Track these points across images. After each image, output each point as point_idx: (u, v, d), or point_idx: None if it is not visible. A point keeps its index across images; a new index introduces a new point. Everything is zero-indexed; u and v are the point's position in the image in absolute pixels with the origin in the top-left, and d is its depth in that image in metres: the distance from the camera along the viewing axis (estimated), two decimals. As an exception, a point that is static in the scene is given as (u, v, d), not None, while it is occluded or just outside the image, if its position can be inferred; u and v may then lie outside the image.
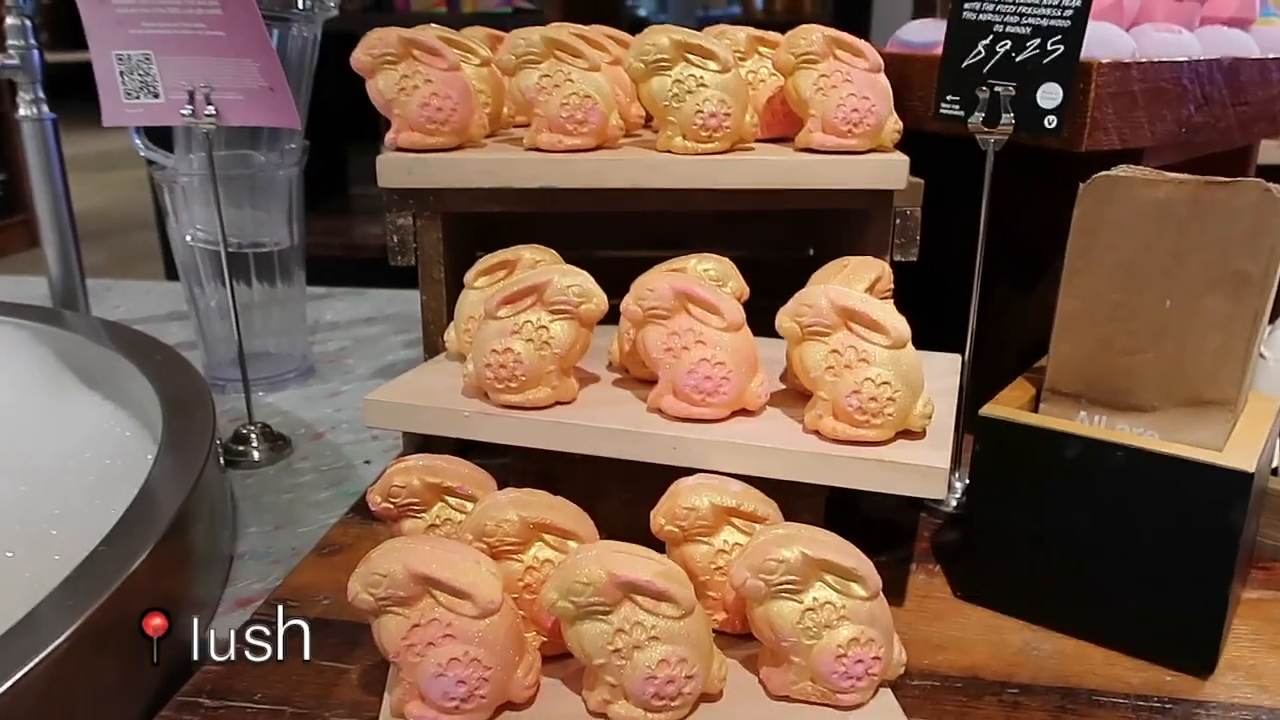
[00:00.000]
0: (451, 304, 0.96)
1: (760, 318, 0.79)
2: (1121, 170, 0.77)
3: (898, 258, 0.96)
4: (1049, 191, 0.90)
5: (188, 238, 1.23)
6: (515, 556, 0.69)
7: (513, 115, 1.03)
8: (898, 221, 0.95)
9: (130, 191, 5.42)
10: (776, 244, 1.23)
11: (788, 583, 0.63)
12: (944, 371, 0.89)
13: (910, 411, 0.73)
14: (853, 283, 0.82)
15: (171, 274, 1.74)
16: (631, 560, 0.61)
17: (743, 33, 0.98)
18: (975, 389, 0.90)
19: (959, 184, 0.92)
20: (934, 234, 0.96)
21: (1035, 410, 0.83)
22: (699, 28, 0.96)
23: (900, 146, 0.94)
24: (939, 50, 1.06)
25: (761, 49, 0.98)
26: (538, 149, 0.92)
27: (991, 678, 0.72)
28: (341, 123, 3.05)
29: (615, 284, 0.81)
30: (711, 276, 0.85)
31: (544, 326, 0.79)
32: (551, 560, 0.68)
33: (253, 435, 1.09)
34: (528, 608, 0.68)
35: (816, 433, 0.75)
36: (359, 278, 1.78)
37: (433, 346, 0.98)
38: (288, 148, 1.24)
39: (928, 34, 1.09)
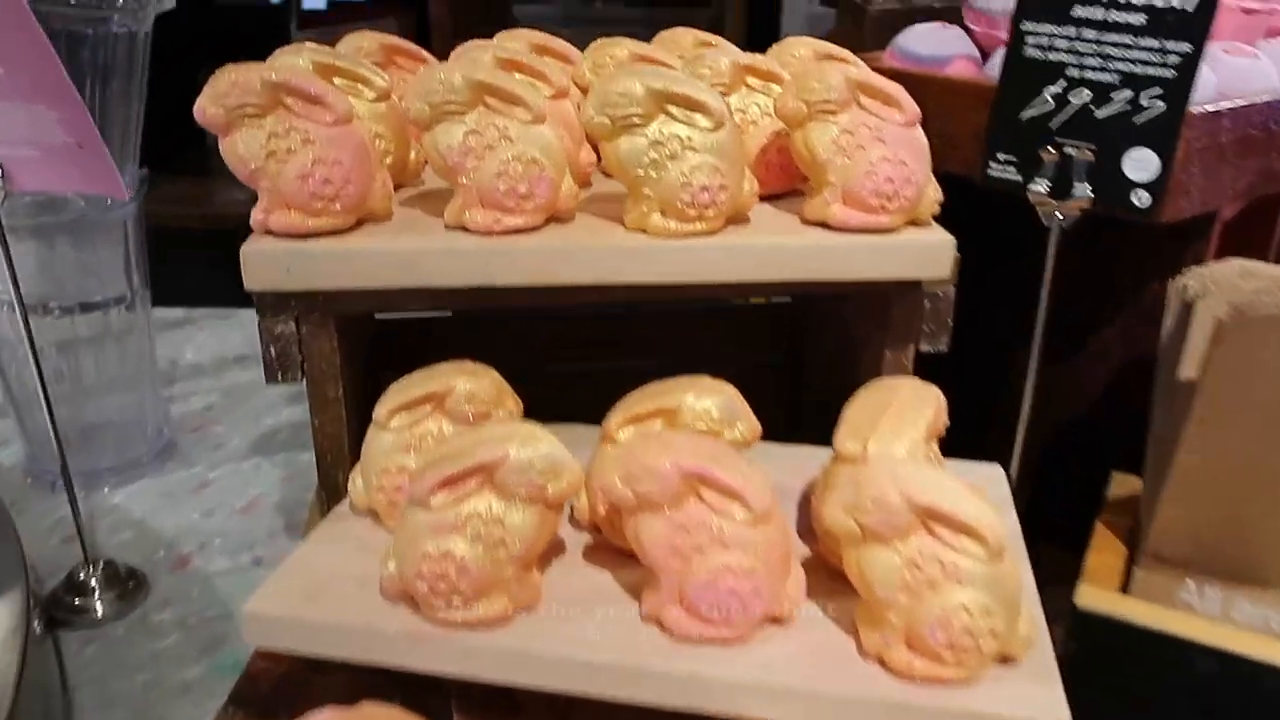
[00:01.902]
0: (355, 430, 0.72)
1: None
2: (1274, 304, 0.58)
3: (925, 347, 0.76)
4: (1092, 253, 0.72)
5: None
6: None
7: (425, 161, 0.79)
8: (928, 305, 0.74)
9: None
10: (765, 342, 1.02)
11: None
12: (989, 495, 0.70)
13: (1009, 639, 0.54)
14: (906, 425, 0.61)
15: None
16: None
17: (725, 59, 0.74)
18: (1021, 507, 0.72)
19: (986, 237, 0.73)
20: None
21: (1128, 579, 0.65)
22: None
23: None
24: (958, 69, 0.86)
25: (751, 80, 0.76)
26: (465, 229, 0.68)
27: None
28: (195, 43, 2.60)
29: (579, 405, 0.60)
30: (714, 418, 0.63)
31: (497, 519, 0.57)
32: None
33: (92, 582, 0.84)
34: None
35: (880, 661, 0.56)
36: (222, 262, 1.48)
37: (330, 485, 0.74)
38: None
39: (942, 45, 0.88)
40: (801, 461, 0.73)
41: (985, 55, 0.88)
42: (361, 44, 0.82)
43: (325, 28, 2.27)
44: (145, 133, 0.97)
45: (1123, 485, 0.74)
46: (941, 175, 0.73)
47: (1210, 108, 0.71)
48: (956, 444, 0.72)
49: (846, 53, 0.80)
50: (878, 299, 0.75)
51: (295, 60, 0.71)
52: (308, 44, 0.73)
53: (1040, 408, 0.79)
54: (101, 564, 0.85)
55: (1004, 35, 0.84)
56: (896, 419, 0.62)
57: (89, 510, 0.97)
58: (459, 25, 1.97)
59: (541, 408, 0.69)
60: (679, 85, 0.65)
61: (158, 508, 0.99)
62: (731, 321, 1.05)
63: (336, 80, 0.73)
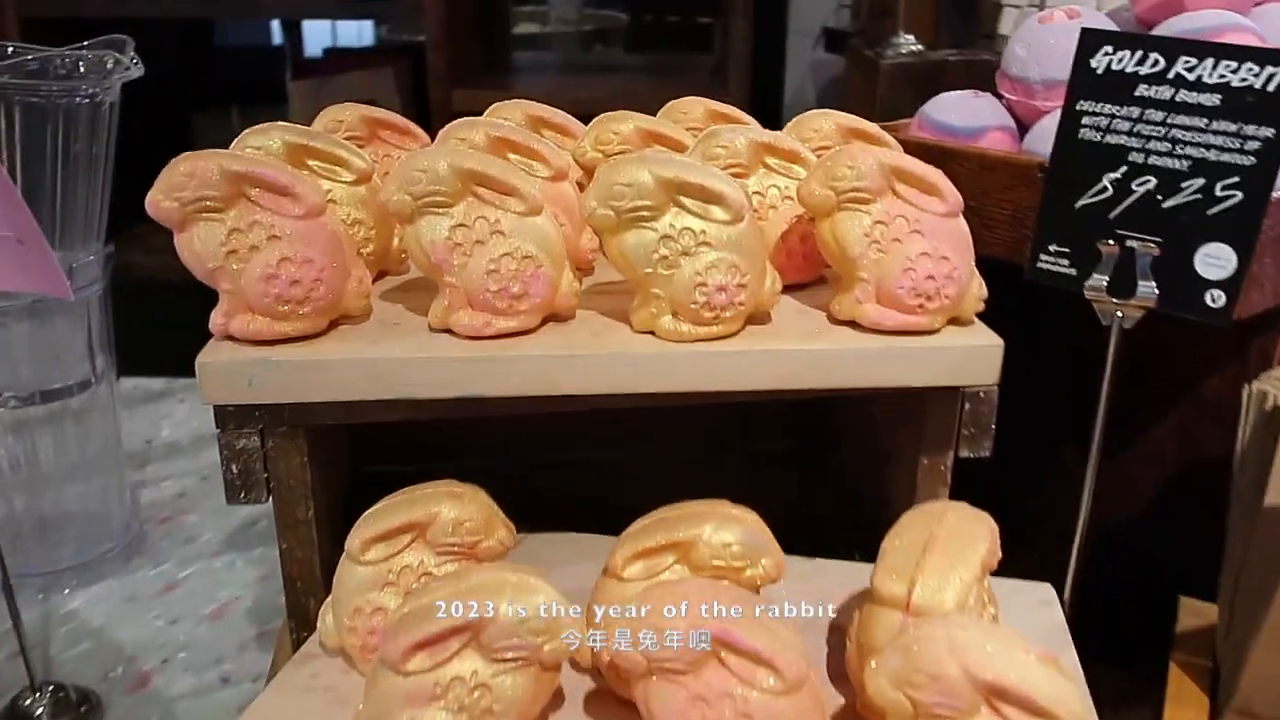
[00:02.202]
0: (326, 555, 0.64)
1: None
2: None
3: (965, 453, 0.68)
4: (1145, 345, 0.64)
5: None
6: None
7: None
8: (968, 407, 0.66)
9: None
10: (780, 430, 0.94)
11: None
12: (1036, 615, 0.62)
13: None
14: (956, 565, 0.53)
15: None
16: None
17: (742, 138, 0.67)
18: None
19: (1030, 329, 0.65)
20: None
21: (1211, 735, 0.57)
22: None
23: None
24: (992, 141, 0.79)
25: (770, 160, 0.68)
26: (451, 333, 0.61)
27: None
28: (193, 86, 2.50)
29: (582, 499, 0.53)
30: (734, 554, 0.55)
31: (484, 685, 0.48)
32: None
33: (38, 710, 0.76)
34: None
35: None
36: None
37: (301, 615, 0.66)
38: (81, 261, 0.88)
39: (974, 116, 0.80)
40: (828, 582, 0.65)
41: (1022, 126, 0.81)
42: (342, 117, 0.75)
43: (321, 77, 2.23)
44: (133, 181, 0.90)
45: (1195, 614, 0.65)
46: (978, 260, 0.66)
47: (1283, 191, 0.63)
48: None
49: (877, 129, 0.73)
50: (913, 400, 0.67)
51: (264, 142, 0.64)
52: (280, 124, 0.65)
53: (1090, 516, 0.71)
54: (50, 689, 0.76)
55: (1043, 105, 0.77)
56: (945, 557, 0.54)
57: (44, 616, 0.89)
58: (457, 73, 1.92)
59: (538, 505, 0.62)
60: (692, 174, 0.58)
61: (120, 614, 0.90)
62: (745, 404, 0.97)
63: (311, 163, 0.65)
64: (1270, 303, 0.66)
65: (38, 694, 0.76)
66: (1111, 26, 0.78)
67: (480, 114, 0.74)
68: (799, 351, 0.61)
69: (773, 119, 0.85)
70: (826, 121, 0.74)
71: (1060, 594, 0.67)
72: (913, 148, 0.78)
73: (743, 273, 0.59)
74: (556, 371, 0.60)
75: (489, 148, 0.67)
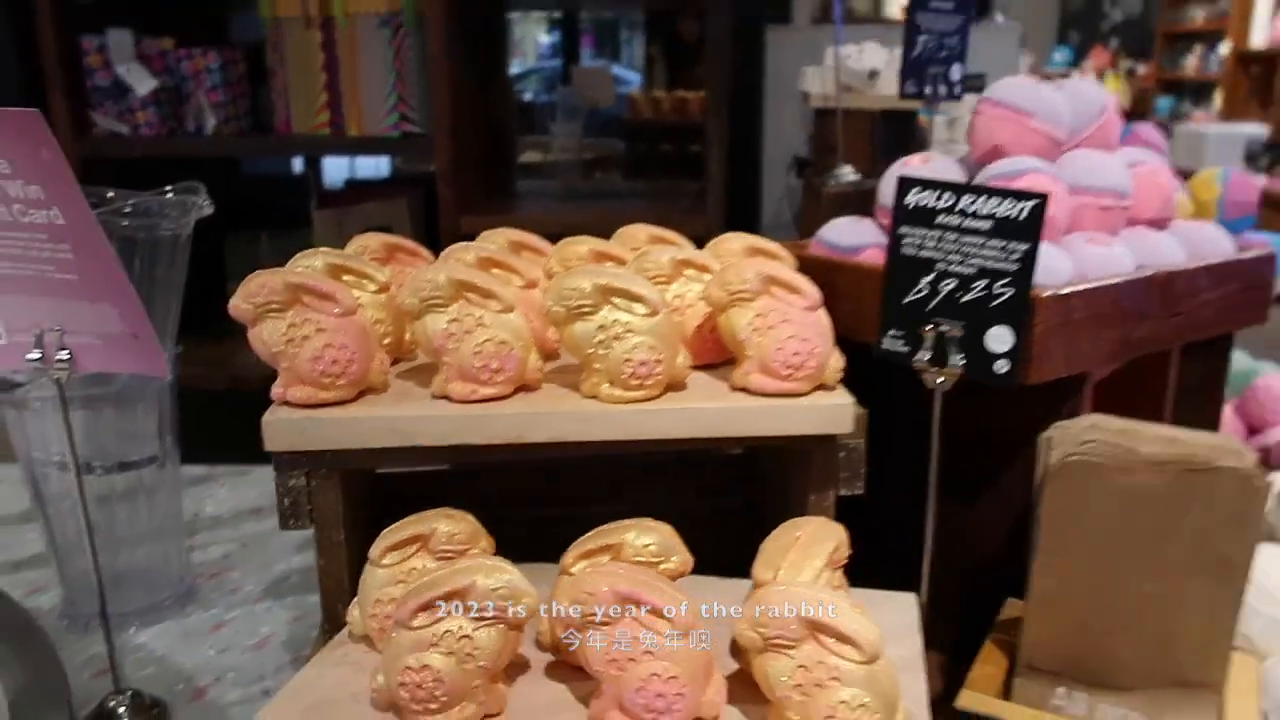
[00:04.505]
0: (354, 570, 0.85)
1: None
2: (1093, 453, 0.72)
3: (844, 491, 0.89)
4: (985, 408, 0.85)
5: (38, 462, 1.09)
6: None
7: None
8: (842, 455, 0.88)
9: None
10: (709, 488, 1.15)
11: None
12: (899, 617, 0.82)
13: (888, 731, 0.65)
14: (810, 557, 0.74)
15: None
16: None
17: (666, 255, 0.91)
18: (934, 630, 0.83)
19: (891, 395, 0.87)
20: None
21: (1008, 686, 0.77)
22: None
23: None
24: (868, 256, 1.02)
25: (689, 271, 0.91)
26: (448, 398, 0.83)
27: None
28: (225, 211, 2.81)
29: (546, 545, 0.72)
30: (652, 552, 0.76)
31: (467, 636, 0.69)
32: None
33: (121, 709, 0.95)
34: None
35: (784, 749, 0.67)
36: (241, 423, 1.61)
37: (333, 617, 0.86)
38: (159, 358, 1.10)
39: (855, 236, 1.04)
40: (738, 591, 0.85)
41: (892, 243, 1.04)
42: (368, 244, 0.99)
43: (341, 207, 2.49)
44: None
45: (1011, 609, 0.85)
46: (859, 344, 0.88)
47: (1064, 290, 0.86)
48: (877, 575, 0.85)
49: (776, 247, 0.96)
50: (802, 452, 0.89)
51: (312, 263, 0.87)
52: (322, 249, 0.89)
53: (946, 543, 0.92)
54: (129, 694, 0.96)
55: (904, 228, 1.01)
56: (802, 552, 0.75)
57: (118, 647, 1.09)
58: (464, 202, 2.16)
59: (519, 548, 0.82)
60: (620, 281, 0.81)
61: (177, 646, 1.10)
62: (702, 470, 1.18)
63: (345, 277, 0.89)
64: (1061, 372, 0.88)
65: (120, 697, 0.95)
66: (957, 168, 1.03)
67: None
68: (703, 409, 0.83)
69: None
70: (738, 242, 0.98)
71: (920, 602, 0.87)
72: (808, 261, 1.02)
73: (659, 352, 0.81)
74: (524, 426, 0.82)
75: (478, 264, 0.90)
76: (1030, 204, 0.77)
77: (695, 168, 2.94)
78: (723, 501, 1.18)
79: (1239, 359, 1.44)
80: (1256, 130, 5.12)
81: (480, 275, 0.83)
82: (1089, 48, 8.37)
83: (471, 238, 0.95)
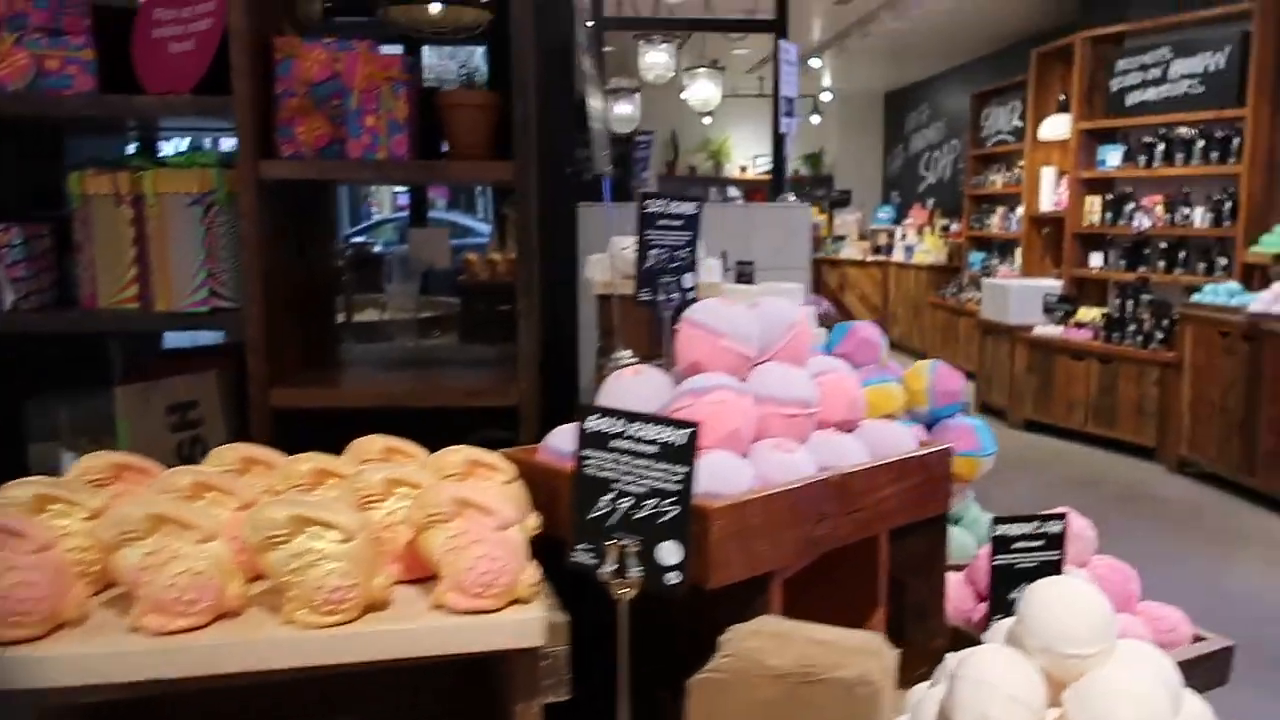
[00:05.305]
0: (43, 810, 0.84)
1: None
2: (723, 670, 0.79)
3: (550, 698, 0.94)
4: (682, 606, 0.92)
5: None
6: None
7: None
8: (544, 664, 0.93)
9: None
10: (420, 701, 1.17)
11: None
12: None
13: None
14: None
15: None
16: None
17: (379, 474, 0.96)
18: None
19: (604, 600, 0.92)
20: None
21: None
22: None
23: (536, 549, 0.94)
24: (584, 464, 1.09)
25: (399, 490, 0.97)
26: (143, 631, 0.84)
27: None
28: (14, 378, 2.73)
29: None
30: None
31: None
32: None
33: None
34: None
35: None
36: None
37: None
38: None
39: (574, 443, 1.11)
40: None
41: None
42: (94, 464, 1.01)
43: (148, 381, 2.45)
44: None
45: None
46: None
47: (740, 499, 0.95)
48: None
49: (496, 458, 1.02)
50: (504, 664, 0.93)
51: (19, 493, 0.89)
52: (35, 478, 0.91)
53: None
54: None
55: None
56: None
57: None
58: (278, 373, 2.15)
59: None
60: (313, 511, 0.85)
61: None
62: (439, 679, 1.19)
63: (54, 506, 0.90)
64: (742, 575, 0.96)
65: None
66: (667, 382, 1.12)
67: (299, 411, 1.01)
68: (398, 631, 0.87)
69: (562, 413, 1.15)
70: (457, 455, 1.04)
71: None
72: (534, 468, 1.09)
73: (354, 577, 0.86)
74: (218, 656, 0.84)
75: (192, 489, 0.93)
76: (688, 432, 0.86)
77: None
78: (440, 711, 1.19)
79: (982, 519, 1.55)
80: (1052, 284, 5.60)
81: (179, 507, 0.86)
82: (909, 206, 9.06)
83: (284, 411, 0.99)
